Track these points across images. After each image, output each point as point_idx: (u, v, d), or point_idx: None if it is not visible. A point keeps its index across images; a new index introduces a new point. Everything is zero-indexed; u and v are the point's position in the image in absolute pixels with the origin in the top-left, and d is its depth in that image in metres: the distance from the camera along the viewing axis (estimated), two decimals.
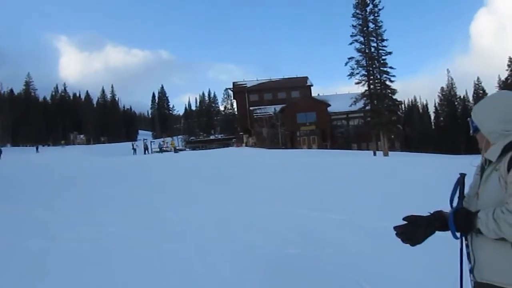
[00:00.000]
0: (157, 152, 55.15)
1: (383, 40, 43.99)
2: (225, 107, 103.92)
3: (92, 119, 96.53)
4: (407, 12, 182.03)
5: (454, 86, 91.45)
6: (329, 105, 61.67)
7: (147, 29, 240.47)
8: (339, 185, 13.04)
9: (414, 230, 2.06)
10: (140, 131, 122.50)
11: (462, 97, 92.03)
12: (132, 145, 55.99)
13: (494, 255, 1.88)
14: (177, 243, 6.55)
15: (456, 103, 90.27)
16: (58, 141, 78.99)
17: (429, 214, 2.10)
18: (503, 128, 1.94)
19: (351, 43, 44.53)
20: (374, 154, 38.21)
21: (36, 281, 4.92)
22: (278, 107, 60.83)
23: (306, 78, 72.29)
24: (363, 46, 44.21)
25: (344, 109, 55.12)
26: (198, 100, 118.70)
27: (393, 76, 43.96)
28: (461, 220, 1.92)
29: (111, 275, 5.06)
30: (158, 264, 5.43)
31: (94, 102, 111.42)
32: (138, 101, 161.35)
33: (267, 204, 10.04)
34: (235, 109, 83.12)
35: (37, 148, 58.67)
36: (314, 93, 70.18)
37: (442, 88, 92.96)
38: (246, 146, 59.23)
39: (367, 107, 44.47)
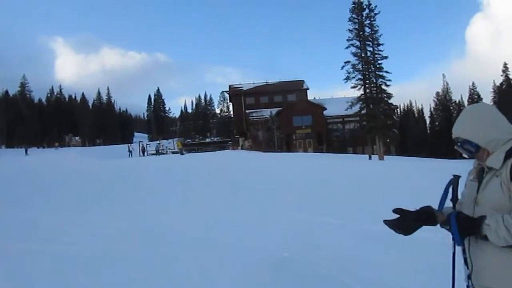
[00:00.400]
0: (153, 154, 54.98)
1: (379, 44, 44.14)
2: (221, 110, 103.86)
3: (87, 121, 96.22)
4: (404, 17, 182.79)
5: (449, 91, 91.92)
6: (325, 109, 61.78)
7: (144, 31, 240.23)
8: (334, 189, 13.05)
9: (404, 223, 2.08)
10: (136, 134, 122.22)
11: (457, 101, 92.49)
12: (128, 147, 55.74)
13: (495, 262, 1.88)
14: (172, 246, 6.52)
15: (451, 107, 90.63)
16: (53, 143, 78.35)
17: (416, 209, 2.11)
18: (498, 135, 1.99)
19: (347, 47, 44.66)
20: (370, 158, 38.24)
21: (29, 284, 4.87)
22: (274, 110, 60.86)
23: (303, 81, 72.42)
24: (359, 50, 44.34)
25: (340, 112, 55.18)
26: (194, 103, 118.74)
27: (389, 80, 44.13)
28: (465, 225, 1.90)
29: (105, 278, 5.03)
30: (153, 267, 5.40)
31: (90, 104, 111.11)
32: (134, 103, 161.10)
33: (263, 207, 10.03)
34: (231, 112, 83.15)
35: (26, 150, 53.82)
36: (310, 97, 70.36)
37: (437, 93, 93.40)
38: (242, 149, 59.18)
39: (363, 111, 44.54)
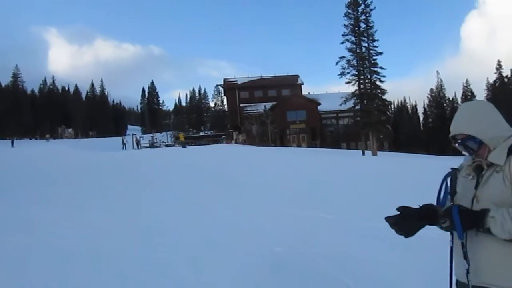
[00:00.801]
0: (146, 147, 54.83)
1: (374, 40, 44.18)
2: (215, 104, 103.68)
3: (80, 113, 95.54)
4: (399, 13, 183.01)
5: (443, 87, 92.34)
6: (319, 104, 61.86)
7: (139, 24, 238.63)
8: (328, 184, 13.08)
9: (406, 223, 2.03)
10: (129, 126, 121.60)
11: (451, 98, 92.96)
12: (122, 140, 55.49)
13: (495, 257, 1.87)
14: (165, 240, 6.51)
15: (445, 104, 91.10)
16: (46, 135, 77.57)
17: (419, 206, 2.07)
18: (499, 132, 2.01)
19: (342, 43, 44.68)
20: (363, 153, 38.37)
21: (20, 276, 4.85)
22: (269, 105, 60.82)
23: (297, 76, 72.38)
24: (354, 46, 44.36)
25: (334, 108, 55.29)
26: (188, 96, 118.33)
27: (384, 76, 44.24)
28: (467, 218, 1.88)
29: (97, 271, 5.01)
30: (145, 261, 5.39)
31: (83, 96, 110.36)
32: (128, 96, 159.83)
33: (257, 203, 10.03)
34: (225, 106, 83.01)
35: (12, 142, 50.13)
36: (304, 92, 70.34)
37: (431, 90, 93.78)
38: (235, 143, 59.16)
39: (357, 107, 44.64)
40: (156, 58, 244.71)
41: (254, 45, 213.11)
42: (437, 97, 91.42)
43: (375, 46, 44.17)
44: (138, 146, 54.49)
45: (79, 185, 13.68)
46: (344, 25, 44.59)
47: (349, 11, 44.51)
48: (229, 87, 71.17)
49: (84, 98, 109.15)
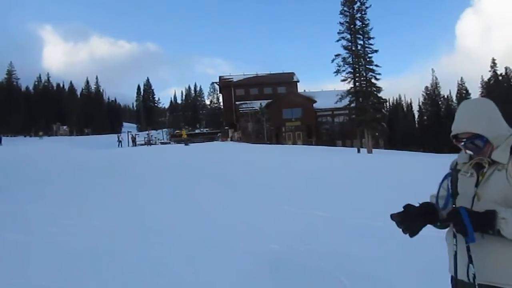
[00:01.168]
0: (142, 145, 54.73)
1: (369, 38, 44.28)
2: (211, 101, 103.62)
3: (75, 111, 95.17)
4: (394, 11, 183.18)
5: (438, 85, 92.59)
6: (315, 102, 61.91)
7: (135, 21, 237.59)
8: (323, 182, 13.09)
9: (411, 222, 2.02)
10: (124, 124, 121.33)
11: (446, 96, 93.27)
12: (118, 137, 55.32)
13: (500, 257, 1.87)
14: (159, 237, 6.51)
15: (440, 102, 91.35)
16: (41, 131, 77.04)
17: (419, 204, 2.08)
18: (502, 130, 2.02)
19: (338, 40, 44.77)
20: (358, 151, 38.49)
21: (17, 274, 4.84)
22: (264, 102, 60.83)
23: (293, 74, 72.36)
24: (349, 44, 44.45)
25: (330, 105, 55.34)
26: (184, 94, 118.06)
27: (379, 74, 44.40)
28: (477, 221, 1.84)
29: (95, 269, 5.02)
30: (143, 259, 5.39)
31: (78, 93, 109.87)
32: (123, 93, 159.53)
33: (253, 200, 10.04)
34: (221, 104, 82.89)
35: (0, 139, 46.44)
36: (300, 89, 70.41)
37: (426, 88, 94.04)
38: (231, 140, 59.15)
39: (352, 105, 44.76)
40: (152, 55, 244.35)
41: (250, 43, 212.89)
42: (432, 95, 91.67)
43: (370, 44, 44.35)
44: (134, 144, 54.38)
45: (75, 184, 13.64)
46: (340, 22, 44.74)
47: (345, 8, 44.63)
48: (225, 84, 71.09)
49: (79, 95, 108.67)
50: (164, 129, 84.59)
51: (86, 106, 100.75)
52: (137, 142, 56.20)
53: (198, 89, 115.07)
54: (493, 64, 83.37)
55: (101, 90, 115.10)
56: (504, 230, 1.79)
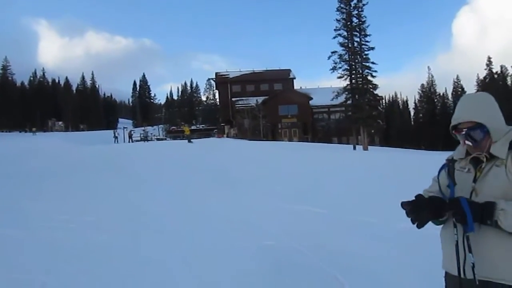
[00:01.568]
0: (138, 141, 54.63)
1: (366, 35, 44.28)
2: (207, 98, 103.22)
3: (71, 106, 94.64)
4: (391, 8, 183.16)
5: (434, 83, 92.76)
6: (311, 98, 61.92)
7: (131, 16, 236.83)
8: (319, 179, 13.14)
9: (421, 213, 1.97)
10: (120, 119, 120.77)
11: (441, 94, 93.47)
12: (114, 133, 55.07)
13: (500, 251, 1.87)
14: (156, 234, 6.52)
15: (435, 100, 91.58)
16: (36, 127, 76.46)
17: (429, 197, 2.05)
18: (502, 125, 2.03)
19: (334, 37, 44.73)
20: (354, 148, 38.52)
21: (11, 269, 4.84)
22: (261, 99, 60.74)
23: (289, 70, 72.31)
24: (346, 41, 44.42)
25: (326, 102, 55.39)
26: (180, 90, 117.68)
27: (375, 71, 44.42)
28: (477, 211, 1.84)
29: (88, 263, 5.02)
30: (135, 254, 5.40)
31: (74, 88, 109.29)
32: (119, 89, 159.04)
33: (248, 196, 10.06)
34: (217, 100, 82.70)
35: None
36: (296, 86, 70.37)
37: (422, 85, 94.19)
38: (227, 137, 59.07)
39: (349, 102, 44.80)
40: (148, 51, 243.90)
41: (247, 40, 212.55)
42: (428, 93, 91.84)
43: (367, 41, 44.35)
44: (131, 140, 54.26)
45: (71, 180, 13.62)
46: (337, 19, 44.70)
47: (342, 5, 44.57)
48: (221, 81, 70.92)
49: (74, 91, 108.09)
50: (160, 125, 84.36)
51: (81, 101, 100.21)
52: (133, 138, 56.09)
53: (194, 85, 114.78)
54: (489, 62, 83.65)
55: (97, 86, 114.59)
56: (502, 221, 1.80)
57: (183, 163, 18.60)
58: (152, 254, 5.44)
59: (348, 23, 44.30)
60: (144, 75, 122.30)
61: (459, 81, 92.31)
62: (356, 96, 44.09)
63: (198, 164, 18.34)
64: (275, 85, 67.97)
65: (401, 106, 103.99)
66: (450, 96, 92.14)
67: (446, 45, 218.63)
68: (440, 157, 3.01)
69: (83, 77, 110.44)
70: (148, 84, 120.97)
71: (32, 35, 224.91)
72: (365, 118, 42.48)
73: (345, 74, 44.30)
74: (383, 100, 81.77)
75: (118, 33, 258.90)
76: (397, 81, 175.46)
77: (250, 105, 60.54)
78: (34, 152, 25.88)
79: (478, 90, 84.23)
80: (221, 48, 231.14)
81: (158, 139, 61.85)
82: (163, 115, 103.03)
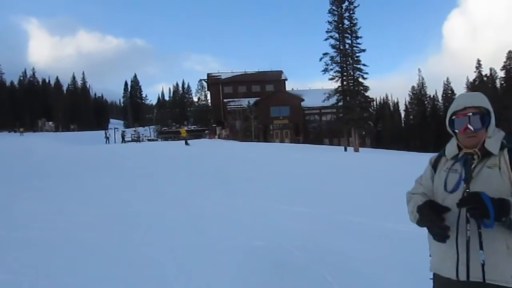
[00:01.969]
0: (129, 141, 54.42)
1: (357, 37, 44.58)
2: (198, 98, 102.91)
3: (61, 106, 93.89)
4: (382, 11, 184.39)
5: (424, 85, 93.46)
6: (303, 100, 62.08)
7: (123, 16, 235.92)
8: (309, 180, 13.18)
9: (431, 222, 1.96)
10: (111, 120, 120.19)
11: (432, 96, 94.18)
12: (105, 133, 54.70)
13: (498, 253, 1.86)
14: (145, 235, 6.50)
15: (426, 102, 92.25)
16: (25, 127, 75.54)
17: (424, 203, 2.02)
18: (494, 122, 2.07)
19: (326, 39, 44.98)
20: (345, 149, 38.71)
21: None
22: (252, 100, 60.81)
23: (281, 72, 72.43)
24: (337, 43, 44.70)
25: (317, 104, 55.57)
26: (171, 90, 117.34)
27: (366, 73, 44.81)
28: (497, 205, 1.80)
29: (79, 264, 4.99)
30: (127, 254, 5.38)
31: (64, 88, 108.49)
32: (110, 89, 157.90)
33: (238, 196, 10.06)
34: (209, 101, 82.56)
35: None
36: (288, 88, 70.54)
37: (413, 87, 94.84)
38: (219, 138, 59.03)
39: (340, 103, 45.02)
40: (140, 51, 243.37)
41: (239, 41, 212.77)
42: (419, 95, 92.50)
43: (358, 43, 44.67)
44: (123, 140, 54.07)
45: (63, 182, 13.53)
46: (328, 21, 44.93)
47: (333, 7, 44.82)
48: (213, 81, 70.84)
49: (65, 91, 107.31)
50: (151, 126, 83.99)
51: (72, 102, 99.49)
52: (126, 139, 55.88)
53: (186, 86, 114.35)
54: (478, 65, 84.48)
55: (88, 86, 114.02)
56: None
57: (176, 164, 18.56)
58: (144, 254, 5.43)
59: (340, 25, 44.55)
60: (135, 76, 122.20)
61: (449, 83, 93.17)
62: (348, 97, 44.34)
63: (191, 164, 18.31)
64: (267, 86, 68.06)
65: (392, 108, 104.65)
66: (440, 98, 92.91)
67: (436, 47, 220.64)
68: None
69: (74, 77, 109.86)
70: (140, 84, 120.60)
71: (22, 34, 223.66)
72: (356, 119, 42.73)
73: (337, 76, 44.58)
74: (374, 102, 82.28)
75: (110, 32, 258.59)
76: (388, 83, 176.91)
77: (241, 106, 60.56)
78: (22, 152, 25.65)
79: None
80: (213, 49, 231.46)
81: (149, 140, 61.67)
82: (154, 115, 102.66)
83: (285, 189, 11.22)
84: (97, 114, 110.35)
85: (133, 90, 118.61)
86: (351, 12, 44.52)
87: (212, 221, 7.49)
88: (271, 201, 9.22)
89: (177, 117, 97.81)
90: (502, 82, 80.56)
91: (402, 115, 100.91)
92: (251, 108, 58.67)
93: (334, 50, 44.62)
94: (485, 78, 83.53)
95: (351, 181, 12.96)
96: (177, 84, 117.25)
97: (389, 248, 5.47)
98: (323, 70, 44.87)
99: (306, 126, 62.88)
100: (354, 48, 44.49)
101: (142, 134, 67.47)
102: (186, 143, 35.35)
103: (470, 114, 2.02)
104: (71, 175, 14.64)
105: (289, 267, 4.90)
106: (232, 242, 5.94)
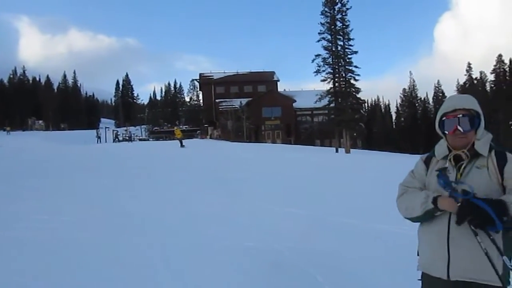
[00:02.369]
0: (120, 141, 54.26)
1: (349, 39, 44.70)
2: (190, 98, 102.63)
3: (52, 105, 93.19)
4: (375, 13, 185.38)
5: (415, 88, 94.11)
6: (295, 101, 62.21)
7: (115, 15, 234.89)
8: (301, 181, 13.21)
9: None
10: (102, 119, 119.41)
11: (422, 98, 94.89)
12: (97, 132, 54.41)
13: (478, 252, 1.88)
14: (137, 235, 6.47)
15: (416, 104, 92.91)
16: (12, 126, 74.61)
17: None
18: (483, 125, 2.12)
19: (318, 41, 45.05)
20: (337, 151, 38.86)
21: None
22: (244, 101, 60.81)
23: (273, 73, 72.53)
24: (330, 44, 44.79)
25: (309, 105, 55.66)
26: (163, 90, 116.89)
27: (358, 75, 44.91)
28: (495, 207, 1.82)
29: (69, 264, 4.96)
30: (119, 255, 5.36)
31: (55, 87, 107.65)
32: (102, 88, 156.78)
33: (230, 197, 10.06)
34: (201, 101, 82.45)
35: None
36: (280, 88, 70.57)
37: (404, 89, 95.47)
38: (210, 138, 58.96)
39: (332, 105, 45.16)
40: (132, 50, 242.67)
41: (232, 41, 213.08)
42: (410, 97, 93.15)
43: (350, 45, 44.79)
44: (118, 139, 54.02)
45: (53, 182, 13.44)
46: (321, 23, 45.01)
47: (326, 9, 44.92)
48: (205, 82, 70.75)
49: (55, 90, 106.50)
50: (142, 126, 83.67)
51: (63, 100, 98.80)
52: (118, 138, 55.87)
53: (178, 86, 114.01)
54: (469, 68, 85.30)
55: (79, 85, 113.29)
56: None
57: (169, 163, 18.51)
58: (135, 254, 5.40)
59: (332, 26, 44.67)
60: (127, 75, 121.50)
61: (440, 86, 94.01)
62: (339, 99, 44.48)
63: (184, 164, 18.27)
64: (259, 87, 68.12)
65: (383, 110, 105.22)
66: (431, 100, 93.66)
67: (428, 50, 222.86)
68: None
69: (65, 76, 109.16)
70: (131, 84, 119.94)
71: (12, 31, 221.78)
72: (347, 121, 42.88)
73: (329, 77, 44.68)
74: (366, 104, 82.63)
75: (102, 31, 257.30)
76: (380, 85, 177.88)
77: (233, 106, 60.52)
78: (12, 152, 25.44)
79: None
80: (205, 49, 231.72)
81: (140, 140, 61.43)
82: (146, 115, 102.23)
83: (277, 189, 11.23)
84: (88, 113, 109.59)
85: (125, 89, 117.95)
86: (343, 14, 44.67)
87: (204, 220, 7.48)
88: (262, 202, 9.21)
89: (169, 117, 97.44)
90: (492, 85, 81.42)
91: (393, 117, 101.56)
92: (243, 109, 58.66)
93: (326, 51, 44.76)
94: (475, 81, 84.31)
95: (343, 182, 13.01)
96: (169, 84, 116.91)
97: (382, 249, 5.50)
98: (315, 72, 44.99)
99: (298, 127, 63.01)
100: (346, 50, 44.65)
101: (134, 134, 67.20)
102: (182, 145, 31.66)
103: (460, 115, 2.06)
104: (64, 175, 14.54)
105: (281, 268, 4.90)
106: (225, 243, 5.92)
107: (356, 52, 44.72)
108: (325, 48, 44.69)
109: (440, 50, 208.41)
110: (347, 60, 44.49)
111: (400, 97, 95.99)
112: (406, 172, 2.39)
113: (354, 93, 45.24)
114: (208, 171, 15.60)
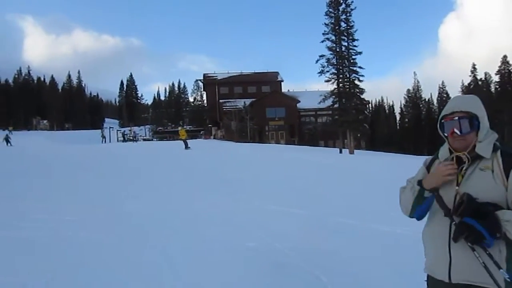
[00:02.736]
0: (124, 141, 54.47)
1: (354, 40, 44.62)
2: (194, 99, 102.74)
3: (56, 105, 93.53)
4: (379, 14, 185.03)
5: (420, 88, 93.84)
6: (299, 102, 62.18)
7: (119, 15, 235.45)
8: (304, 181, 13.19)
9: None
10: (106, 119, 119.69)
11: (427, 99, 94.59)
12: (101, 132, 54.49)
13: (476, 256, 1.87)
14: (139, 235, 6.48)
15: (421, 105, 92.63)
16: (20, 125, 74.97)
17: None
18: (487, 125, 2.07)
19: (322, 41, 44.98)
20: (340, 151, 38.80)
21: None
22: (248, 101, 60.81)
23: (277, 73, 72.50)
24: (334, 45, 44.71)
25: (313, 106, 55.61)
26: (167, 90, 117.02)
27: (362, 76, 44.77)
28: (487, 224, 1.82)
29: (69, 263, 4.97)
30: (118, 255, 5.37)
31: (59, 87, 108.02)
32: (106, 88, 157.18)
33: (232, 197, 10.05)
34: (205, 101, 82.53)
35: None
36: (284, 89, 70.60)
37: (408, 90, 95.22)
38: (214, 138, 58.99)
39: (336, 105, 45.08)
40: (136, 51, 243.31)
41: (236, 41, 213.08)
42: (414, 98, 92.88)
43: (354, 46, 44.69)
44: (124, 139, 54.33)
45: (54, 182, 13.48)
46: (325, 23, 44.96)
47: (330, 10, 44.83)
48: (209, 82, 70.82)
49: (60, 90, 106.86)
50: (146, 126, 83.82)
51: (67, 100, 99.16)
52: (122, 138, 56.12)
53: (182, 86, 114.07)
54: (473, 69, 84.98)
55: (83, 85, 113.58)
56: (511, 232, 1.82)
57: (172, 163, 18.54)
58: (137, 253, 5.41)
59: (336, 27, 44.59)
60: (131, 75, 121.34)
61: (444, 87, 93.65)
62: (343, 100, 44.39)
63: (187, 164, 18.29)
64: (263, 87, 68.11)
65: (387, 111, 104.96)
66: (435, 101, 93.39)
67: (432, 50, 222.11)
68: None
69: (69, 76, 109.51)
70: (135, 84, 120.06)
71: (17, 31, 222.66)
72: (351, 122, 42.80)
73: (333, 78, 44.59)
74: (370, 105, 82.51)
75: (106, 31, 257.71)
76: (384, 85, 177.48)
77: (237, 107, 60.54)
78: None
79: None
80: (209, 50, 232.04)
81: (144, 140, 61.58)
82: (150, 115, 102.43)
83: (279, 190, 11.23)
84: (92, 113, 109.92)
85: (129, 89, 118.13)
86: (348, 14, 44.60)
87: (205, 221, 7.48)
88: (264, 202, 9.19)
89: (173, 117, 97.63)
90: (497, 86, 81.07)
91: (397, 118, 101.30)
92: (246, 109, 58.66)
93: (330, 52, 44.68)
94: (480, 82, 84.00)
95: (345, 183, 12.99)
96: (173, 84, 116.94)
97: (383, 249, 5.49)
98: (319, 72, 44.91)
99: (302, 127, 62.97)
100: (351, 51, 44.56)
101: (138, 134, 67.37)
102: (187, 147, 28.97)
103: (457, 118, 2.05)
104: (68, 175, 14.59)
105: (282, 268, 4.89)
106: (227, 243, 5.92)
107: (360, 53, 44.67)
108: (329, 48, 44.64)
109: (445, 50, 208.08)
110: (351, 61, 44.39)
111: (404, 98, 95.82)
112: (409, 174, 2.39)
113: (358, 94, 45.13)
114: (211, 172, 15.60)
